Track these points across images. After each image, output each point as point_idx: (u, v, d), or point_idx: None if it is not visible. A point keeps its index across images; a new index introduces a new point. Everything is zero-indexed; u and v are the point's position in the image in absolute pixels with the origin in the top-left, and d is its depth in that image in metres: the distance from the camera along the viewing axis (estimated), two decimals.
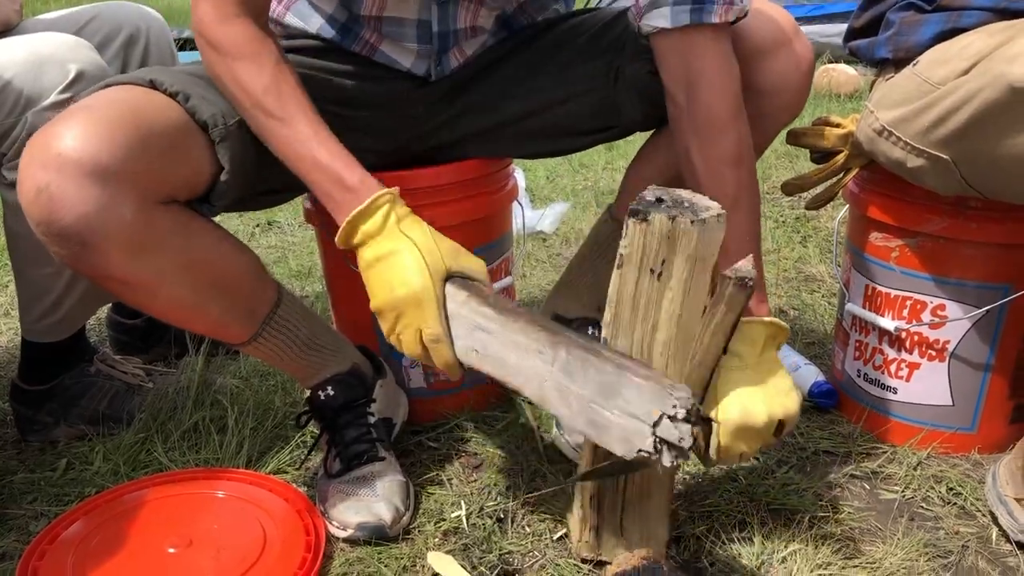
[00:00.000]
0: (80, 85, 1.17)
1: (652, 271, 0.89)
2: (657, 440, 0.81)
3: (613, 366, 0.86)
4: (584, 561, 1.08)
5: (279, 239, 2.37)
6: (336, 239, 1.01)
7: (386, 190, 0.99)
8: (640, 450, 0.82)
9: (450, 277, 0.99)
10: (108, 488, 1.23)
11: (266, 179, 1.12)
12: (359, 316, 1.35)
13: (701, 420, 0.98)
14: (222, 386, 1.47)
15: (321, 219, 1.32)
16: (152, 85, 1.03)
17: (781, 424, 0.98)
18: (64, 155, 0.93)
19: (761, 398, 0.98)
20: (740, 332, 0.96)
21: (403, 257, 0.97)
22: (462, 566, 1.08)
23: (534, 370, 0.91)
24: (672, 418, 0.80)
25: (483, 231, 1.35)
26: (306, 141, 1.01)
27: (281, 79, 1.02)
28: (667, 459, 0.81)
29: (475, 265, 1.01)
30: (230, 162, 1.05)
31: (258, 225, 2.48)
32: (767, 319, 1.02)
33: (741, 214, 1.06)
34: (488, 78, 1.28)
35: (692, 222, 0.86)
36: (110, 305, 1.66)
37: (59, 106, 1.13)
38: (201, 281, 1.07)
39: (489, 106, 1.28)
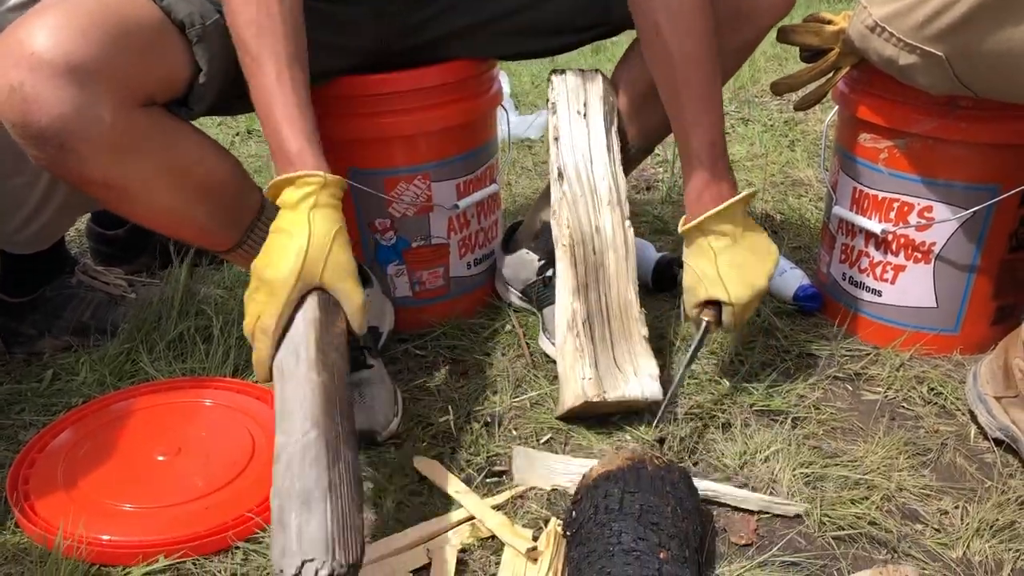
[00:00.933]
0: None
1: (579, 112, 1.22)
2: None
3: (320, 488, 0.80)
4: (578, 410, 1.13)
5: (260, 148, 2.33)
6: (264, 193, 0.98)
7: (321, 174, 0.93)
8: None
9: (321, 289, 0.92)
10: (95, 398, 1.23)
11: (242, 81, 1.09)
12: None
13: (711, 304, 1.17)
14: (206, 296, 1.46)
15: None
16: None
17: None
18: (37, 54, 0.90)
19: (758, 267, 1.14)
20: (720, 215, 1.13)
21: (290, 243, 0.90)
22: (449, 469, 1.10)
23: (289, 427, 0.85)
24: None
25: (467, 137, 1.33)
26: (269, 88, 0.95)
27: (265, 10, 0.95)
28: None
29: (352, 297, 0.94)
30: (208, 63, 1.02)
31: (238, 134, 2.43)
32: (740, 196, 1.14)
33: (701, 74, 1.13)
34: None
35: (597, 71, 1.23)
36: (89, 215, 1.63)
37: (22, 7, 1.08)
38: (185, 185, 1.05)
39: (476, 1, 1.24)
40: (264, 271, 0.91)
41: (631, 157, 1.33)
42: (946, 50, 1.05)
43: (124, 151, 0.98)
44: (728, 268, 1.14)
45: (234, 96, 1.12)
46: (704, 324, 1.18)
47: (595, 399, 1.11)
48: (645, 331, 1.19)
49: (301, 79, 0.97)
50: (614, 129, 1.25)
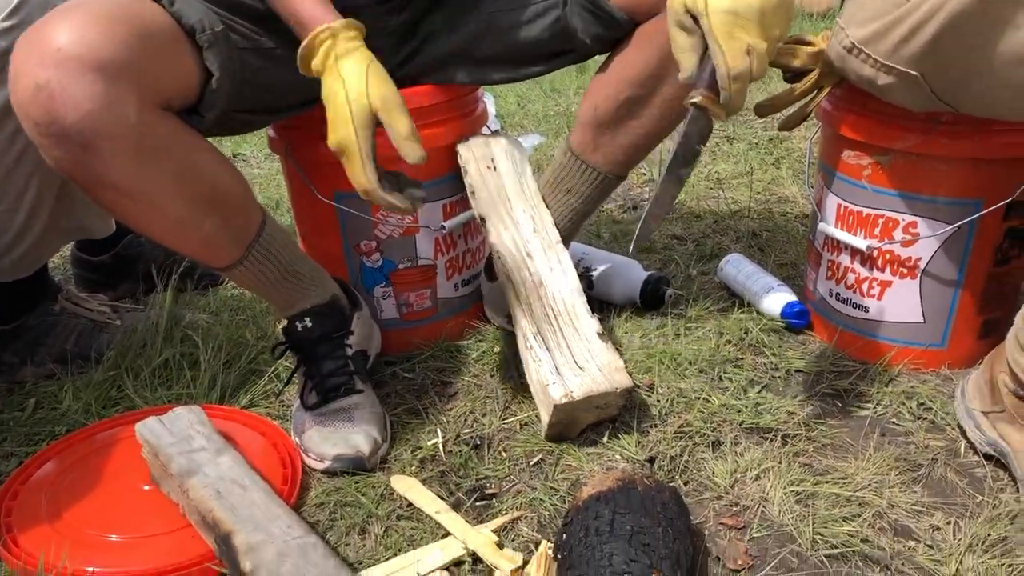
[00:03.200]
0: (25, 11, 1.12)
1: (488, 167, 1.31)
2: None
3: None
4: (557, 422, 1.11)
5: (245, 171, 2.32)
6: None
7: (325, 25, 0.98)
8: None
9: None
10: (80, 427, 1.22)
11: (249, 95, 1.11)
12: (328, 247, 1.33)
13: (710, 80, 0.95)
14: (192, 321, 1.45)
15: (284, 146, 1.29)
16: None
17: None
18: (65, 50, 0.90)
19: None
20: None
21: (335, 100, 0.98)
22: (438, 492, 1.09)
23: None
24: None
25: (452, 157, 1.32)
26: None
27: None
28: None
29: (400, 123, 0.99)
30: (220, 68, 1.03)
31: None
32: None
33: None
34: (447, 3, 1.26)
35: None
36: (74, 243, 1.62)
37: (5, 34, 1.08)
38: (198, 195, 1.05)
39: (448, 31, 1.26)
40: (332, 139, 1.00)
41: (606, 184, 1.33)
42: (922, 69, 1.06)
43: (146, 153, 0.97)
44: None
45: (237, 111, 1.12)
46: (690, 112, 0.99)
47: (563, 400, 1.10)
48: (598, 327, 1.19)
49: None
50: (526, 175, 1.34)
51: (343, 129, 0.98)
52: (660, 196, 1.05)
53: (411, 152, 0.99)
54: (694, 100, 0.96)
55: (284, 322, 1.21)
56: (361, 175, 0.99)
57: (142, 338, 1.39)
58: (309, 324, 1.20)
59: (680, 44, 0.95)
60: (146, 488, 1.08)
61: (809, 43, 1.27)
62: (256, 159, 2.43)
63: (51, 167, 0.97)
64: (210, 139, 1.11)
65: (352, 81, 0.97)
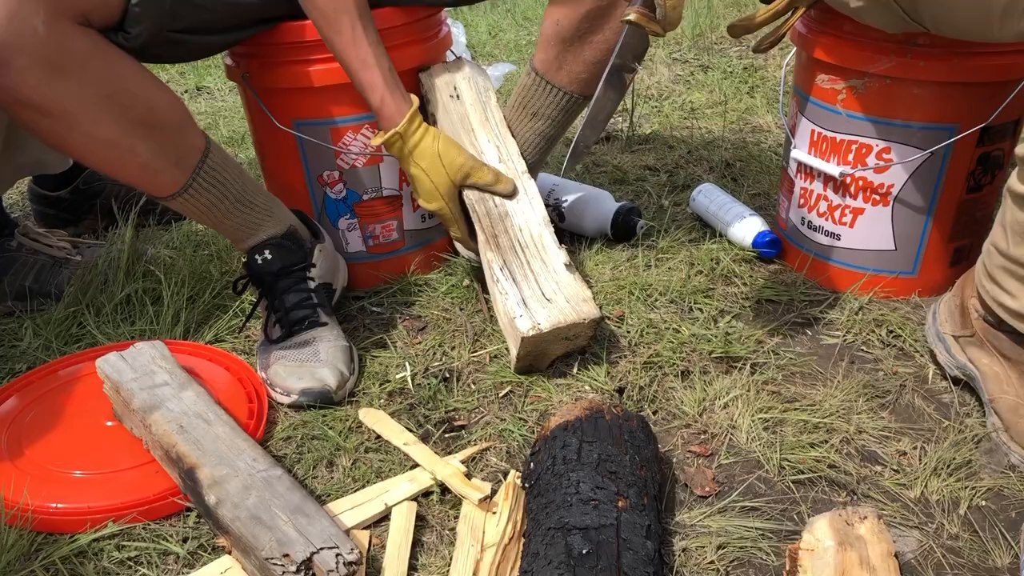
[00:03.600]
0: None
1: (451, 96, 1.29)
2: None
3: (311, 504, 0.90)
4: (526, 354, 1.11)
5: (209, 105, 2.27)
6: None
7: (394, 132, 1.13)
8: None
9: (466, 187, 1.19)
10: (40, 364, 1.19)
11: (186, 14, 1.07)
12: (290, 179, 1.30)
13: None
14: (154, 257, 1.42)
15: (241, 74, 1.25)
16: None
17: None
18: None
19: None
20: None
21: (424, 186, 1.18)
22: (407, 425, 1.08)
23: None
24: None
25: (413, 84, 1.28)
26: (346, 47, 1.11)
27: None
28: None
29: (484, 177, 1.19)
30: None
31: (186, 91, 2.36)
32: None
33: None
34: None
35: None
36: (31, 178, 1.58)
37: None
38: (125, 116, 1.03)
39: None
40: (428, 207, 1.21)
41: (572, 104, 1.30)
42: None
43: (60, 69, 0.95)
44: None
45: (171, 31, 1.08)
46: (625, 29, 1.03)
47: (531, 333, 1.09)
48: (565, 258, 1.18)
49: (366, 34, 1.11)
50: (491, 104, 1.31)
51: (436, 203, 1.20)
52: (593, 116, 1.09)
53: (503, 191, 1.21)
54: (628, 17, 1.00)
55: (244, 257, 1.19)
56: (458, 232, 1.24)
57: (103, 274, 1.35)
58: (268, 256, 1.17)
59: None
60: (109, 424, 1.06)
61: None
62: (220, 92, 2.36)
63: None
64: (168, 66, 1.07)
65: (428, 165, 1.16)
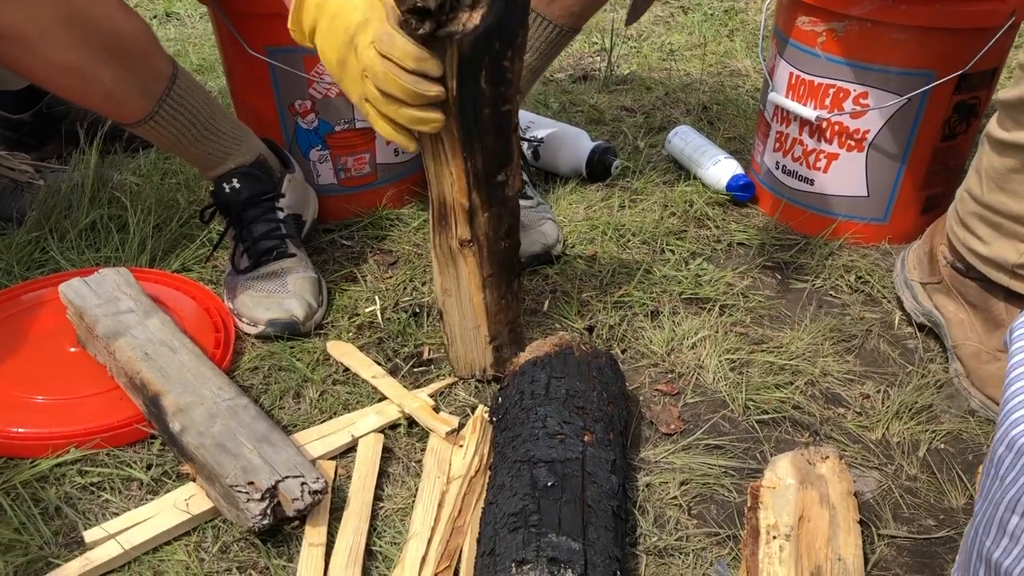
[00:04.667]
0: None
1: None
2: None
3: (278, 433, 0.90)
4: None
5: (178, 31, 2.21)
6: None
7: None
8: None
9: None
10: (2, 288, 1.17)
11: None
12: (261, 108, 1.27)
13: None
14: (120, 183, 1.39)
15: None
16: None
17: None
18: None
19: None
20: None
21: (324, 60, 0.90)
22: (376, 359, 1.07)
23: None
24: None
25: None
26: None
27: None
28: None
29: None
30: None
31: (155, 16, 2.30)
32: None
33: None
34: None
35: None
36: None
37: None
38: (88, 40, 0.99)
39: None
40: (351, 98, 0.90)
41: (560, 37, 1.28)
42: None
43: None
44: None
45: None
46: None
47: None
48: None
49: None
50: None
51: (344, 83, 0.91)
52: None
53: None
54: None
55: (212, 185, 1.16)
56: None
57: (67, 199, 1.32)
58: (236, 185, 1.15)
59: None
60: (72, 350, 1.05)
61: None
62: (191, 18, 2.30)
63: None
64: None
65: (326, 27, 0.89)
